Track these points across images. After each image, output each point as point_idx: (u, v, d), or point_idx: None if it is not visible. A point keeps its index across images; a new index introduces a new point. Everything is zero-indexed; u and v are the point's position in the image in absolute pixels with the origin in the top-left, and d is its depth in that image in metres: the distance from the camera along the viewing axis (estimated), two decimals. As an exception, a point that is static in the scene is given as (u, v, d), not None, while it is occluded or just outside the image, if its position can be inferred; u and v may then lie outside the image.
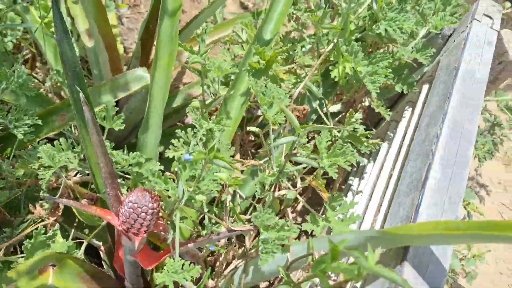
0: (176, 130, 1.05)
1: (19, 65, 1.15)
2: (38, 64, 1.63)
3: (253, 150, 1.62)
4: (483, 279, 2.03)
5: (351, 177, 1.60)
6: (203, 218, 1.04)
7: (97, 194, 1.00)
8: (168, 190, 0.90)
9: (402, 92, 1.28)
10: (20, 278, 0.85)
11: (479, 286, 2.00)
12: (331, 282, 0.74)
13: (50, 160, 0.95)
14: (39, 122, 1.05)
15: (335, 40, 1.14)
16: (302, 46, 1.29)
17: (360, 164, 1.55)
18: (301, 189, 1.18)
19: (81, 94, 0.83)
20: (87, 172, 1.06)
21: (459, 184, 0.79)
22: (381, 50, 1.37)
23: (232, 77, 1.22)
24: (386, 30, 1.15)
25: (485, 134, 2.01)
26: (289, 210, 1.10)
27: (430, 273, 0.68)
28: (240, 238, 1.16)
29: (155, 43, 1.47)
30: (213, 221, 1.00)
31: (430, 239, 0.66)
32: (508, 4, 1.56)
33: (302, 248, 0.90)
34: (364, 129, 1.18)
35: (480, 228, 0.59)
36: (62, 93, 1.52)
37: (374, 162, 1.42)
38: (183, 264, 0.82)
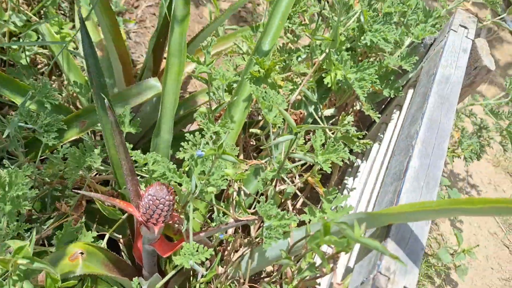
0: (185, 134, 1.17)
1: (42, 77, 1.27)
2: (53, 77, 1.76)
3: (255, 154, 1.74)
4: (474, 274, 2.14)
5: (346, 177, 1.72)
6: (212, 214, 1.16)
7: (119, 190, 1.12)
8: (182, 184, 1.02)
9: (390, 96, 1.41)
10: (53, 264, 0.97)
11: (471, 280, 2.11)
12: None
13: (76, 160, 1.07)
14: (65, 127, 1.17)
15: (327, 50, 1.27)
16: (298, 56, 1.42)
17: (354, 165, 1.67)
18: (300, 187, 1.30)
19: (105, 100, 0.96)
20: (107, 172, 1.18)
21: (435, 172, 0.91)
22: (372, 59, 1.50)
23: (235, 85, 1.34)
24: (371, 40, 1.28)
25: (471, 136, 2.13)
26: (289, 202, 1.22)
27: (410, 247, 0.80)
28: (246, 230, 1.27)
29: (164, 56, 1.60)
30: (221, 213, 1.12)
31: (409, 216, 0.78)
32: (488, 16, 1.70)
33: (302, 233, 1.01)
34: (356, 130, 1.30)
35: (447, 204, 0.72)
36: (78, 103, 1.65)
37: (366, 162, 1.54)
38: (198, 247, 0.93)
